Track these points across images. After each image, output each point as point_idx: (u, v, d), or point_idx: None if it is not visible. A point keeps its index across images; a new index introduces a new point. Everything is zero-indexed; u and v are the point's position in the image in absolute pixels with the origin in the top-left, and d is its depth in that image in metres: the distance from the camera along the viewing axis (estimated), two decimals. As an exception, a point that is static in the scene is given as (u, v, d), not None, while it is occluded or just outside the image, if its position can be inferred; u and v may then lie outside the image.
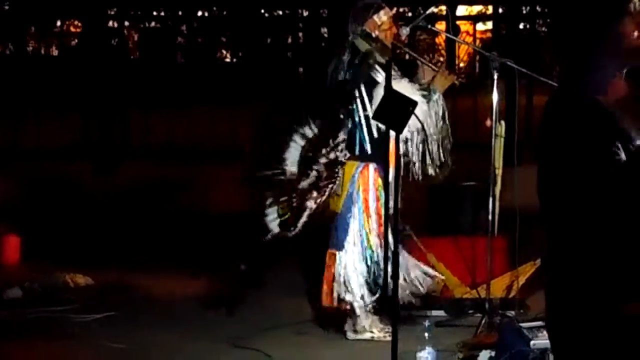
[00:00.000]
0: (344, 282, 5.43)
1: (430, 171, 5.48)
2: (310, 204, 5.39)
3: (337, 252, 5.46)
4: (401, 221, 5.38)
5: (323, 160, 5.37)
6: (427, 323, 4.88)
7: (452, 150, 5.60)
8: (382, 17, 5.44)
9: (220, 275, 6.13)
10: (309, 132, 5.42)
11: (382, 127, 5.17)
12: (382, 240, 5.30)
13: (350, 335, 5.53)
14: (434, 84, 5.36)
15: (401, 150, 4.99)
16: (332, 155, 5.37)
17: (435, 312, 5.86)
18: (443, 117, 5.39)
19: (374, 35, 5.39)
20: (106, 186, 11.18)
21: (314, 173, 5.37)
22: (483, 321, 5.44)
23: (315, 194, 5.38)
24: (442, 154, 5.45)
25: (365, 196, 5.40)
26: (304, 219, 5.38)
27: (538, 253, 6.11)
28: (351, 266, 5.41)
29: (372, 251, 5.37)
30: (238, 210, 5.91)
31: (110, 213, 9.47)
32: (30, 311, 6.19)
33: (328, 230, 5.56)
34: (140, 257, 7.73)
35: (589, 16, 2.71)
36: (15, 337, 5.83)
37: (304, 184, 5.38)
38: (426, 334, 4.83)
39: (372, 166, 5.40)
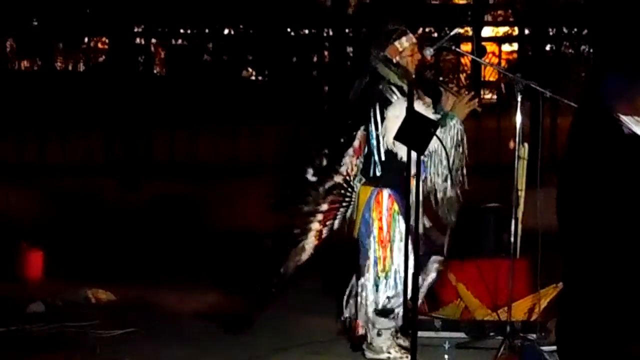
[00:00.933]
0: (361, 307, 5.44)
1: (440, 195, 5.46)
2: (316, 226, 5.41)
3: (356, 280, 5.48)
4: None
5: (328, 183, 5.40)
6: (447, 345, 4.86)
7: (475, 172, 5.58)
8: (404, 43, 5.42)
9: (242, 293, 6.13)
10: (317, 162, 5.50)
11: (392, 149, 5.20)
12: (396, 264, 5.32)
13: (368, 354, 5.53)
14: (453, 110, 5.35)
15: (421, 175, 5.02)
16: (337, 179, 5.40)
17: (455, 334, 5.83)
18: (460, 144, 5.35)
19: (395, 60, 5.40)
20: (130, 202, 11.23)
21: (313, 196, 5.40)
22: (504, 344, 5.41)
23: (320, 216, 5.40)
24: (452, 183, 5.43)
25: (379, 224, 5.39)
26: (311, 240, 5.39)
27: (560, 276, 6.09)
28: (367, 291, 5.42)
29: (387, 276, 5.36)
30: (261, 227, 5.92)
31: (134, 229, 9.51)
32: (52, 326, 6.21)
33: (349, 253, 5.57)
34: (162, 273, 7.75)
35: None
36: (37, 351, 5.85)
37: (307, 206, 5.41)
38: (446, 356, 4.81)
39: (386, 192, 5.39)
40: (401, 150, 5.12)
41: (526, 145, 5.85)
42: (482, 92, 25.02)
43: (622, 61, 2.68)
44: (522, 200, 5.80)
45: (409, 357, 5.33)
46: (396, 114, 5.13)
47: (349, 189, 5.42)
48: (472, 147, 5.50)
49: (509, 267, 5.50)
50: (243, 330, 5.88)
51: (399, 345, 5.50)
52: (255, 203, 5.89)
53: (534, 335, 5.62)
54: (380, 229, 5.35)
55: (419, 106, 5.18)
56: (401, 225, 5.31)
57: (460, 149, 5.33)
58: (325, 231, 5.42)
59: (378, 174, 5.38)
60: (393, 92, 5.30)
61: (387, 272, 5.34)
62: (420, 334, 5.05)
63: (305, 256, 5.43)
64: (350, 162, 5.42)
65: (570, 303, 2.67)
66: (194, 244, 8.96)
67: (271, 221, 5.81)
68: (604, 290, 2.55)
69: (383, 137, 5.29)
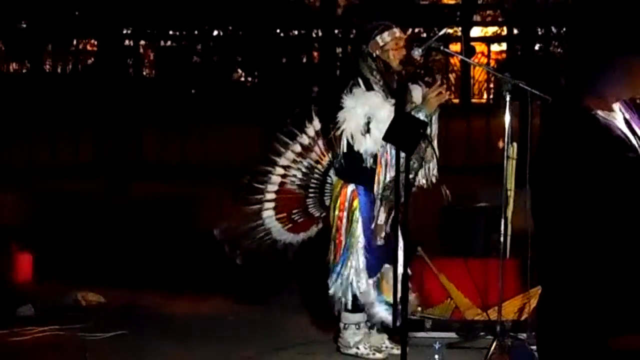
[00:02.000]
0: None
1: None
2: (279, 171, 5.63)
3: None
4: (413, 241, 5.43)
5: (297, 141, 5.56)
6: (437, 345, 4.86)
7: (464, 172, 5.61)
8: (386, 37, 5.44)
9: (230, 294, 6.13)
10: (305, 139, 5.57)
11: (350, 141, 5.24)
12: (348, 258, 5.37)
13: (341, 349, 5.60)
14: (423, 103, 5.34)
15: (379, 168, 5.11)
16: (303, 140, 5.59)
17: (446, 334, 5.83)
18: (428, 139, 5.32)
19: (374, 54, 5.42)
20: (119, 204, 11.21)
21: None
22: (494, 343, 5.41)
23: (282, 171, 5.52)
24: (424, 177, 5.50)
25: (340, 215, 5.43)
26: (272, 187, 5.59)
27: (538, 277, 6.11)
28: (331, 281, 5.49)
29: (342, 269, 5.42)
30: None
31: (123, 231, 9.49)
32: (42, 329, 6.19)
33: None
34: (152, 275, 7.73)
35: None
36: (27, 355, 5.84)
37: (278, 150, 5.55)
38: (437, 356, 4.80)
39: (350, 187, 5.45)
40: (358, 144, 5.18)
41: (515, 144, 5.85)
42: (471, 93, 25.08)
43: (591, 56, 2.69)
44: (511, 200, 5.80)
45: (378, 354, 5.42)
46: (352, 104, 5.21)
47: (318, 168, 5.60)
48: (462, 148, 5.52)
49: (498, 267, 5.50)
50: (234, 331, 5.88)
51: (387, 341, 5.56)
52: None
53: (525, 335, 5.62)
54: (340, 223, 5.42)
55: (385, 102, 5.25)
56: (359, 223, 5.34)
57: (430, 142, 5.33)
58: (287, 184, 5.57)
59: (342, 167, 5.44)
60: (359, 84, 5.33)
61: (335, 264, 5.40)
62: (410, 334, 5.06)
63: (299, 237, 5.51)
64: (320, 147, 5.57)
65: (550, 302, 2.67)
66: (184, 245, 8.93)
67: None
68: (584, 285, 2.55)
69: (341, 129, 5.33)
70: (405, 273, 4.51)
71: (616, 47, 2.66)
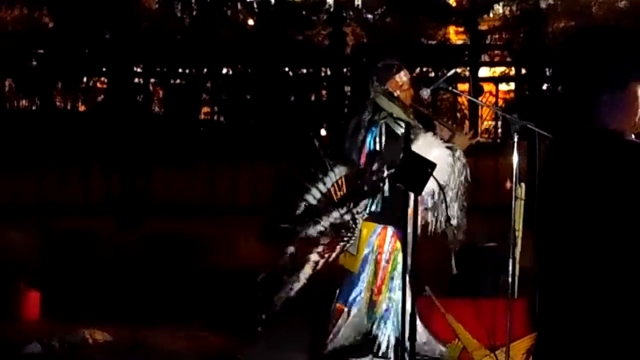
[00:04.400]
0: (343, 337, 5.43)
1: (448, 233, 5.45)
2: (314, 257, 5.38)
3: (344, 308, 5.44)
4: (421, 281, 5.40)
5: (334, 217, 5.36)
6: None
7: (473, 212, 5.59)
8: (403, 77, 5.49)
9: (238, 332, 6.10)
10: (323, 187, 5.44)
11: (393, 186, 5.17)
12: (384, 302, 5.29)
13: None
14: (454, 143, 5.37)
15: (419, 211, 4.99)
16: (346, 217, 5.35)
17: (454, 375, 5.80)
18: (465, 174, 5.37)
19: (395, 94, 5.43)
20: (127, 242, 11.21)
21: (319, 227, 5.36)
22: (502, 385, 5.39)
23: (321, 248, 5.37)
24: (459, 215, 5.42)
25: (379, 258, 5.37)
26: (307, 270, 5.37)
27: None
28: (352, 323, 5.41)
29: (373, 313, 5.35)
30: (259, 267, 5.90)
31: (131, 269, 9.49)
32: (48, 367, 6.19)
33: (337, 285, 5.54)
34: (159, 313, 7.72)
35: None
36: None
37: (310, 232, 5.38)
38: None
39: (390, 229, 5.36)
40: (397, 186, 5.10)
41: (523, 185, 5.86)
42: (479, 132, 25.11)
43: (609, 82, 2.64)
44: (519, 240, 5.79)
45: None
46: (419, 144, 5.09)
47: (354, 225, 5.39)
48: (469, 187, 5.50)
49: (506, 307, 5.48)
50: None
51: None
52: (253, 242, 5.88)
53: (533, 376, 5.59)
54: (378, 264, 5.33)
55: (429, 137, 5.22)
56: (400, 265, 5.28)
57: (464, 179, 5.35)
58: (321, 263, 5.40)
59: (379, 209, 5.36)
60: (398, 125, 5.29)
61: (380, 310, 5.31)
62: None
63: (297, 286, 5.39)
64: (365, 205, 5.39)
65: (549, 336, 2.63)
66: (191, 283, 8.93)
67: (268, 260, 5.81)
68: (596, 313, 2.50)
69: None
70: (413, 313, 4.50)
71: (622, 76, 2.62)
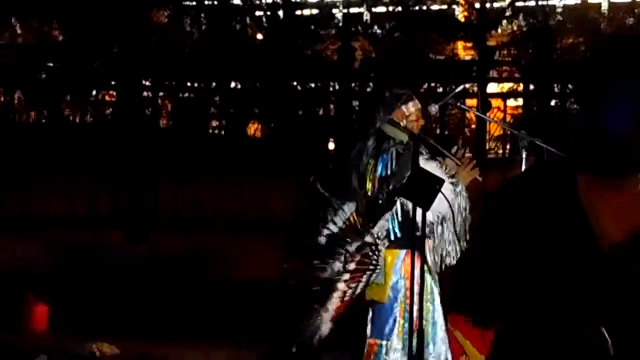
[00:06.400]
0: None
1: (448, 260, 5.40)
2: (341, 287, 5.31)
3: (379, 341, 5.36)
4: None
5: (355, 243, 5.31)
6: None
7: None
8: (410, 108, 5.43)
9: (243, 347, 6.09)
10: (334, 228, 5.38)
11: (409, 209, 5.11)
12: (429, 328, 5.23)
13: None
14: (457, 176, 5.33)
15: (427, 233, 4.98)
16: (368, 239, 5.31)
17: (461, 391, 5.80)
18: (466, 210, 5.31)
19: (401, 124, 5.39)
20: (135, 256, 11.23)
21: (342, 255, 5.30)
22: (509, 401, 5.37)
23: (346, 276, 5.30)
24: (462, 247, 5.36)
25: (409, 284, 5.27)
26: (334, 300, 5.30)
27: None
28: (397, 355, 5.32)
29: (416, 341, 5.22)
30: (266, 281, 5.91)
31: (139, 283, 9.50)
32: (56, 380, 6.20)
33: (365, 318, 5.46)
34: (167, 327, 7.73)
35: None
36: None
37: (335, 265, 5.30)
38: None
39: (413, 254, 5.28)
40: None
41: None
42: (487, 147, 25.13)
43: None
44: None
45: None
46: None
47: (377, 252, 5.34)
48: (476, 204, 5.49)
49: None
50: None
51: None
52: (261, 257, 5.88)
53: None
54: (409, 290, 5.25)
55: (433, 164, 5.18)
56: (433, 286, 5.26)
57: (466, 215, 5.31)
58: (348, 294, 5.34)
59: (400, 235, 5.33)
60: (408, 151, 5.25)
61: (426, 338, 5.19)
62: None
63: (327, 319, 5.31)
64: (382, 226, 5.34)
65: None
66: (199, 297, 8.95)
67: (276, 274, 5.80)
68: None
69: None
70: (420, 330, 4.49)
71: None
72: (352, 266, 5.27)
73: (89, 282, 9.40)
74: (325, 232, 5.36)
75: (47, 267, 9.85)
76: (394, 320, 5.28)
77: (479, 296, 2.64)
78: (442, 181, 4.51)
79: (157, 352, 6.96)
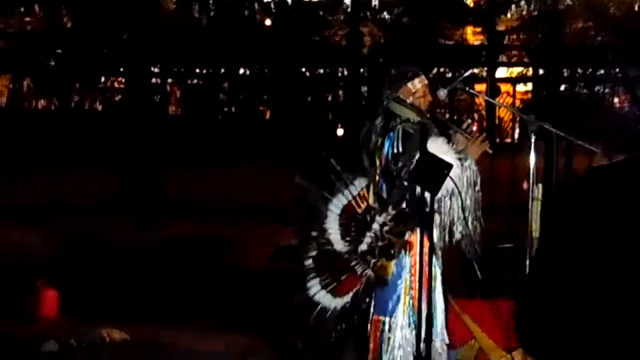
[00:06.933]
0: (391, 349, 5.32)
1: (457, 236, 5.38)
2: (364, 268, 5.31)
3: (383, 318, 5.36)
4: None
5: (378, 225, 5.31)
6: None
7: (490, 213, 5.55)
8: (417, 84, 5.42)
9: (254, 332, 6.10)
10: (344, 199, 5.38)
11: (414, 187, 5.10)
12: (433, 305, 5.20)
13: None
14: (467, 151, 5.31)
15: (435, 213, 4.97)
16: (383, 219, 5.30)
17: (470, 376, 5.80)
18: (476, 184, 5.30)
19: (408, 101, 5.38)
20: (145, 242, 11.24)
21: (367, 239, 5.30)
22: (518, 386, 5.38)
23: (371, 258, 5.30)
24: (470, 222, 5.34)
25: (413, 262, 5.30)
26: (364, 284, 5.31)
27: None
28: (399, 333, 5.32)
29: (418, 318, 5.21)
30: (275, 268, 5.89)
31: (148, 269, 9.52)
32: (65, 365, 6.22)
33: (369, 295, 5.45)
34: (177, 313, 7.75)
35: None
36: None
37: (362, 247, 5.31)
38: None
39: (418, 232, 5.26)
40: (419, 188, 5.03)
41: (540, 185, 5.85)
42: (496, 133, 25.07)
43: None
44: (536, 241, 5.79)
45: None
46: (432, 149, 5.02)
47: (390, 230, 5.33)
48: (486, 188, 5.47)
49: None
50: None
51: None
52: (271, 244, 5.87)
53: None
54: (414, 267, 5.26)
55: (440, 141, 5.17)
56: (435, 264, 5.21)
57: (476, 190, 5.30)
58: (361, 271, 5.35)
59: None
60: (414, 130, 5.24)
61: (421, 313, 5.19)
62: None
63: (340, 301, 5.34)
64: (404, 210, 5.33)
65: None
66: (209, 283, 8.96)
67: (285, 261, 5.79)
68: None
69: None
70: (429, 314, 4.49)
71: None
72: (364, 247, 5.28)
73: (98, 268, 9.42)
74: (337, 204, 5.36)
75: (56, 254, 9.88)
76: (398, 298, 5.27)
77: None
78: (450, 166, 4.50)
79: (167, 338, 6.97)
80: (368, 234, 5.30)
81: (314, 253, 5.35)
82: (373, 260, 5.28)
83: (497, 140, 24.01)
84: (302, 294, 5.32)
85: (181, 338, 6.98)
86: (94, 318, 7.28)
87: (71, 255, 9.96)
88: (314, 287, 5.32)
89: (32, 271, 8.50)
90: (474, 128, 5.51)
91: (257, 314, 6.36)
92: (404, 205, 5.28)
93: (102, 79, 26.66)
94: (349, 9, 25.26)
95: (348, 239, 5.34)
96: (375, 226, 5.29)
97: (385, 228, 5.28)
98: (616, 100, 26.35)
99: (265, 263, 6.84)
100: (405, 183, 5.20)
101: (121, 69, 24.71)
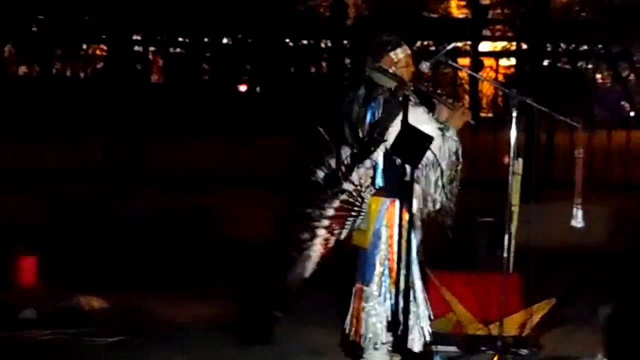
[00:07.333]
0: (367, 318, 5.36)
1: (435, 206, 5.39)
2: (321, 233, 5.34)
3: (364, 287, 5.39)
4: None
5: (336, 189, 5.33)
6: (438, 358, 4.86)
7: (470, 186, 5.56)
8: (399, 54, 5.39)
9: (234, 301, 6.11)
10: (329, 168, 5.39)
11: (395, 159, 5.10)
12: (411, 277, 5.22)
13: None
14: (449, 121, 5.31)
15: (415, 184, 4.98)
16: (345, 186, 5.33)
17: (447, 348, 5.83)
18: (457, 154, 5.31)
19: (390, 71, 5.37)
20: (126, 210, 11.22)
21: (319, 201, 5.33)
22: (495, 359, 5.42)
23: (326, 222, 5.33)
24: (448, 193, 5.35)
25: (391, 233, 5.32)
26: (317, 248, 5.34)
27: (553, 291, 6.10)
28: (374, 302, 5.35)
29: (394, 289, 5.24)
30: (256, 237, 5.91)
31: (129, 237, 9.51)
32: (44, 333, 6.21)
33: (352, 263, 5.48)
34: (157, 282, 7.76)
35: None
36: (28, 358, 5.86)
37: (314, 211, 5.34)
38: (437, 370, 4.81)
39: (397, 203, 5.29)
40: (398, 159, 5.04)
41: (521, 160, 5.86)
42: (479, 106, 25.11)
43: None
44: (515, 216, 5.81)
45: None
46: (413, 119, 5.00)
47: (359, 199, 5.34)
48: (467, 161, 5.48)
49: (501, 282, 5.50)
50: (237, 338, 5.85)
51: None
52: (252, 212, 5.88)
53: (526, 351, 5.62)
54: (391, 238, 5.28)
55: (420, 111, 5.16)
56: (412, 235, 5.22)
57: (455, 160, 5.30)
58: (332, 240, 5.36)
59: (382, 183, 5.33)
60: (397, 99, 5.22)
61: (398, 284, 5.21)
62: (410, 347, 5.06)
63: (310, 266, 5.36)
64: (365, 173, 5.34)
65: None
66: (190, 252, 8.96)
67: (268, 230, 5.80)
68: None
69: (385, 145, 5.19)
70: (407, 288, 4.50)
71: None
72: (330, 212, 5.29)
73: (78, 236, 9.40)
74: (319, 174, 5.38)
75: (36, 221, 9.85)
76: (374, 267, 5.30)
77: None
78: (431, 138, 4.50)
79: (146, 306, 6.98)
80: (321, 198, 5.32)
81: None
82: (348, 229, 5.31)
83: (480, 114, 24.05)
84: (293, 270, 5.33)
85: (161, 307, 6.98)
86: (73, 286, 7.27)
87: (51, 222, 9.93)
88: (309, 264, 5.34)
89: (11, 237, 8.48)
90: (455, 102, 5.50)
91: (238, 284, 6.36)
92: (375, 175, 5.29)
93: (84, 46, 26.51)
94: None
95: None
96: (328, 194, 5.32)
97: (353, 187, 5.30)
98: (598, 76, 26.42)
99: (246, 233, 6.87)
100: (381, 152, 5.21)
101: (103, 37, 24.56)
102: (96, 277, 7.76)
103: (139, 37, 24.47)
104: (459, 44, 24.22)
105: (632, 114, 24.36)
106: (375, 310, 5.29)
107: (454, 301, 6.02)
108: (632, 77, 25.74)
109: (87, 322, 6.47)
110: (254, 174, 13.47)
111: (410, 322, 5.06)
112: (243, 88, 26.93)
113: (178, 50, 27.14)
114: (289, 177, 5.59)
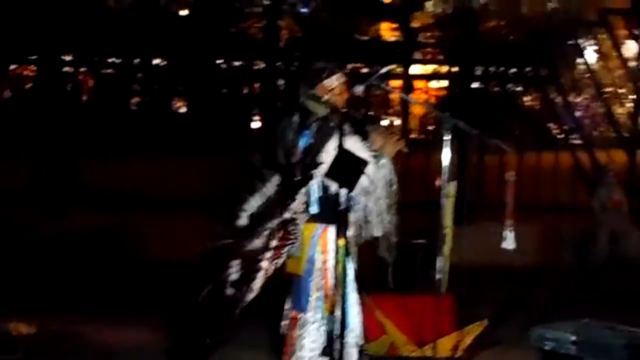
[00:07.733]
0: (302, 345, 5.32)
1: (371, 233, 5.39)
2: (265, 265, 5.28)
3: (299, 314, 5.36)
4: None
5: (277, 219, 5.28)
6: (373, 381, 4.85)
7: (403, 209, 5.57)
8: (334, 81, 5.38)
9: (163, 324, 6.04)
10: (267, 191, 5.35)
11: (327, 184, 5.10)
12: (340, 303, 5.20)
13: None
14: (382, 149, 5.31)
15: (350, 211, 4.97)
16: (286, 215, 5.28)
17: (381, 370, 5.83)
18: (391, 182, 5.32)
19: (324, 99, 5.35)
20: (53, 232, 11.05)
21: (266, 232, 5.27)
22: (429, 380, 5.43)
23: (269, 254, 5.27)
24: (385, 220, 5.36)
25: (325, 258, 5.31)
26: (259, 280, 5.28)
27: (486, 311, 6.15)
28: (310, 328, 5.31)
29: (330, 315, 5.21)
30: (185, 260, 5.83)
31: (56, 260, 9.36)
32: (-30, 359, 6.07)
33: (287, 291, 5.44)
34: (85, 306, 7.64)
35: None
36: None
37: (257, 243, 5.28)
38: (372, 392, 4.79)
39: (332, 228, 5.28)
40: (333, 185, 5.05)
41: (454, 183, 5.90)
42: (410, 129, 25.32)
43: None
44: (449, 237, 5.84)
45: None
46: (347, 147, 5.01)
47: (296, 226, 5.31)
48: (400, 183, 5.49)
49: (435, 304, 5.51)
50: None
51: None
52: (183, 234, 5.82)
53: (459, 372, 5.65)
54: (325, 264, 5.25)
55: (354, 139, 5.16)
56: (347, 261, 5.20)
57: (391, 187, 5.32)
58: (271, 269, 5.31)
59: (319, 210, 5.31)
60: (327, 127, 5.22)
61: (333, 310, 5.19)
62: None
63: (250, 296, 5.29)
64: (299, 200, 5.31)
65: None
66: (119, 275, 8.85)
67: (199, 253, 5.74)
68: None
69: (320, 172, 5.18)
70: (343, 311, 4.48)
71: None
72: (274, 243, 5.25)
73: (4, 259, 9.22)
74: (253, 203, 5.33)
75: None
76: (308, 294, 5.27)
77: None
78: (366, 163, 4.50)
79: (77, 332, 6.87)
80: (268, 227, 5.27)
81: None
82: (285, 256, 5.26)
83: (412, 136, 24.25)
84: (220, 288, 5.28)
85: (88, 330, 6.89)
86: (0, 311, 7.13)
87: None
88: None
89: None
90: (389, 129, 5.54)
91: (166, 308, 6.28)
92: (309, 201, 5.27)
93: (13, 66, 26.16)
94: (266, 2, 25.23)
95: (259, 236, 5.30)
96: (273, 225, 5.27)
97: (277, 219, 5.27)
98: (527, 98, 26.83)
99: (174, 256, 6.77)
100: (316, 179, 5.19)
101: (32, 57, 24.25)
102: (24, 301, 7.61)
103: (69, 58, 24.21)
104: (392, 66, 24.43)
105: (559, 136, 24.78)
106: (310, 337, 5.26)
107: (388, 323, 6.03)
108: (559, 99, 26.19)
109: (16, 348, 6.33)
110: (185, 195, 13.37)
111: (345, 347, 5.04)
112: (183, 109, 26.82)
113: (109, 70, 26.93)
114: (222, 205, 5.51)
